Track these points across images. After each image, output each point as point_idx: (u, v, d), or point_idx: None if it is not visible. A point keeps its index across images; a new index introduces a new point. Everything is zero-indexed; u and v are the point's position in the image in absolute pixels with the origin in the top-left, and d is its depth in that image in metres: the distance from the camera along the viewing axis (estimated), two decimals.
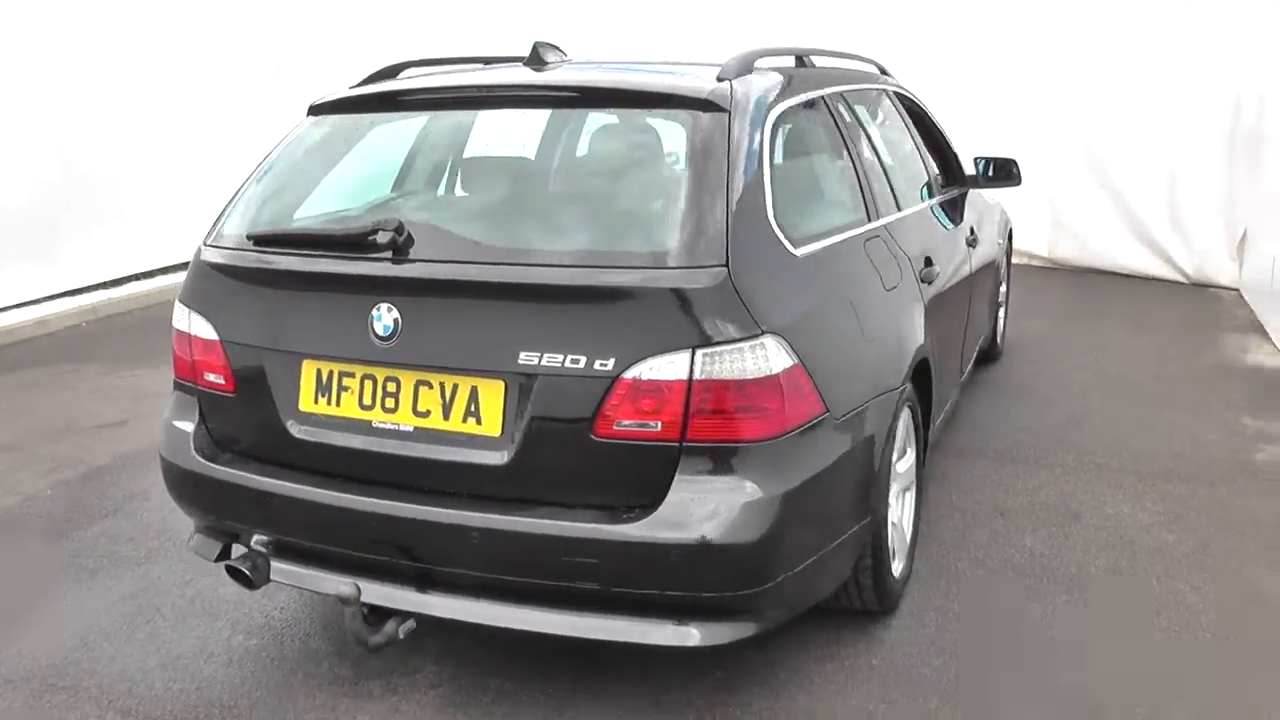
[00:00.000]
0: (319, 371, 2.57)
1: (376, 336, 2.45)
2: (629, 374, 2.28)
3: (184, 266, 7.71)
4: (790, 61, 3.23)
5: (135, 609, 3.30)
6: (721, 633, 2.40)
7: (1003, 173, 4.65)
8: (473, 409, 2.41)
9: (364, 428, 2.53)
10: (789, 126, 2.84)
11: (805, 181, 2.89)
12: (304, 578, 2.67)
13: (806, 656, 2.93)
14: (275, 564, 2.66)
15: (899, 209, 3.44)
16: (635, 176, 2.68)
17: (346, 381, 2.54)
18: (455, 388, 2.43)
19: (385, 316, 2.44)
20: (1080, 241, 7.80)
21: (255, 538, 2.73)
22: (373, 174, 3.12)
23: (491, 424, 2.40)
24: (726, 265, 2.31)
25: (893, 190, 3.46)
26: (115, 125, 7.43)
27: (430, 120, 3.11)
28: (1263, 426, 4.63)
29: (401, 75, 3.10)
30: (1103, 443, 4.50)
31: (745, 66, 2.76)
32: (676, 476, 2.31)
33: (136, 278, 7.50)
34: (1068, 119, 7.59)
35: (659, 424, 2.29)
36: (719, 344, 2.26)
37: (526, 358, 2.33)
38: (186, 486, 2.81)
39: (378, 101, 2.95)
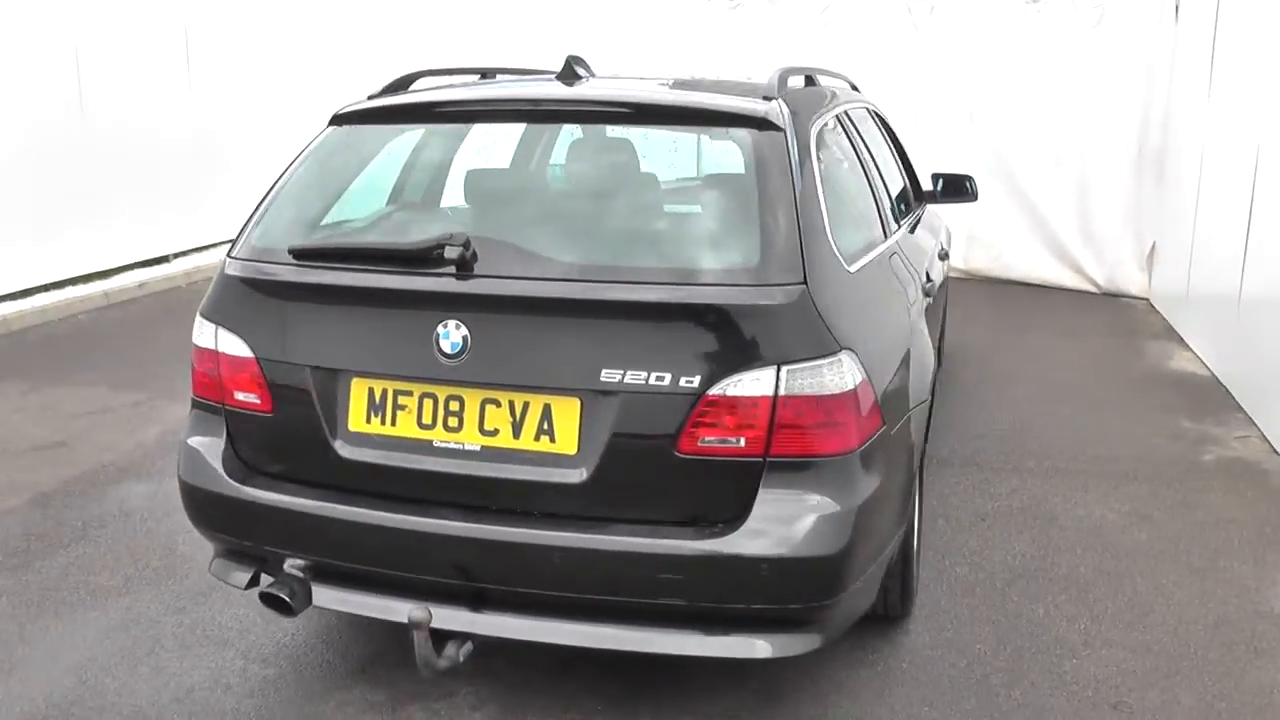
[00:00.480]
0: (371, 390, 2.50)
1: (442, 354, 2.39)
2: (714, 391, 2.29)
3: (101, 275, 7.38)
4: (801, 80, 3.29)
5: (131, 641, 3.13)
6: (792, 644, 2.43)
7: (958, 189, 4.83)
8: (545, 427, 2.38)
9: (423, 447, 2.46)
10: (825, 144, 2.90)
11: (843, 198, 2.95)
12: (354, 603, 2.58)
13: (838, 664, 2.98)
14: (317, 589, 2.57)
15: (897, 225, 3.55)
16: (699, 193, 2.69)
17: (403, 400, 2.47)
18: (526, 406, 2.39)
19: (454, 334, 2.38)
20: (994, 253, 8.14)
21: (289, 562, 2.63)
22: (409, 186, 3.04)
23: (566, 442, 2.37)
24: (805, 282, 2.34)
25: (892, 206, 3.57)
26: None
27: (470, 132, 3.05)
28: (1203, 430, 4.93)
29: (413, 86, 3.04)
30: (1058, 447, 4.71)
31: (784, 84, 2.81)
32: (760, 491, 2.33)
33: (46, 288, 7.07)
34: (982, 133, 7.91)
35: (743, 440, 2.30)
36: (802, 360, 2.29)
37: (608, 375, 2.31)
38: (214, 510, 2.69)
39: (411, 112, 2.88)
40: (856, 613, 2.64)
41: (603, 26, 8.82)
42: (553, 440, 2.38)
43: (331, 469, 2.54)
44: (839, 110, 3.32)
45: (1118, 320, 7.15)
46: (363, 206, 2.89)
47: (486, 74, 3.33)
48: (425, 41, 9.43)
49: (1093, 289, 7.82)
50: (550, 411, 2.38)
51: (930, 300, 3.58)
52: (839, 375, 2.32)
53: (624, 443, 2.33)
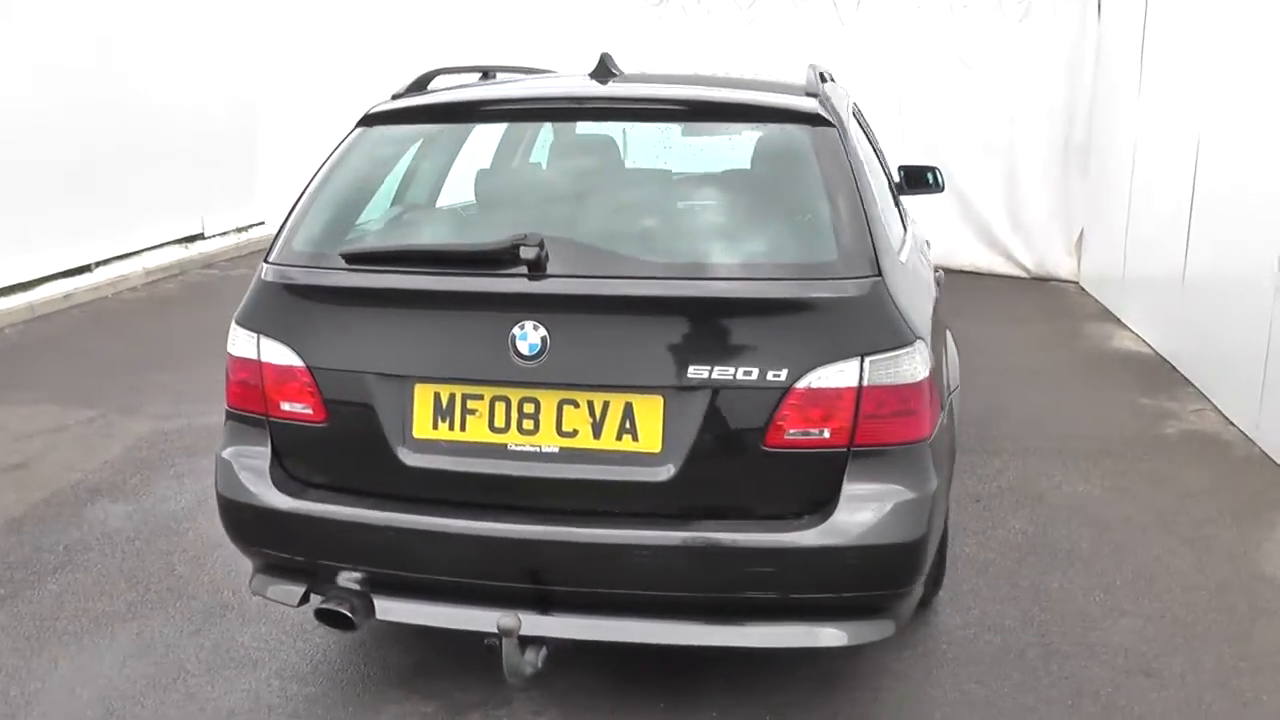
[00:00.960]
0: (437, 395, 2.44)
1: (519, 356, 2.35)
2: (801, 383, 2.31)
3: (23, 287, 6.98)
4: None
5: (153, 668, 2.99)
6: (868, 632, 2.46)
7: (922, 180, 4.94)
8: (628, 426, 2.36)
9: (496, 451, 2.42)
10: (857, 139, 2.95)
11: (880, 192, 3.00)
12: (420, 613, 2.52)
13: (879, 650, 2.99)
14: (379, 601, 2.50)
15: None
16: (763, 189, 2.70)
17: (473, 404, 2.42)
18: (606, 405, 2.37)
19: (531, 335, 2.34)
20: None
21: (344, 576, 2.55)
22: (449, 186, 2.96)
23: (650, 440, 2.36)
24: (880, 275, 2.38)
25: (895, 199, 3.64)
26: None
27: (523, 131, 2.99)
28: (1159, 405, 5.17)
29: (430, 85, 2.98)
30: (1030, 428, 4.89)
31: (822, 80, 2.84)
32: (845, 481, 2.36)
33: None
34: (911, 125, 8.13)
35: (828, 431, 2.33)
36: (884, 351, 2.33)
37: (696, 371, 2.31)
38: (262, 526, 2.59)
39: (448, 112, 2.82)
40: (918, 596, 2.70)
41: (524, 23, 8.79)
42: (635, 439, 2.36)
43: (395, 478, 2.47)
44: (852, 106, 3.37)
45: (1053, 303, 7.44)
46: (404, 208, 2.81)
47: (487, 73, 3.27)
48: (368, 39, 9.29)
49: (1023, 274, 8.11)
50: (632, 410, 2.36)
51: (940, 289, 3.67)
52: (915, 365, 2.37)
53: (711, 438, 2.33)
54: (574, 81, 2.92)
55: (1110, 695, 2.85)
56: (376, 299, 2.50)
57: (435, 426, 2.44)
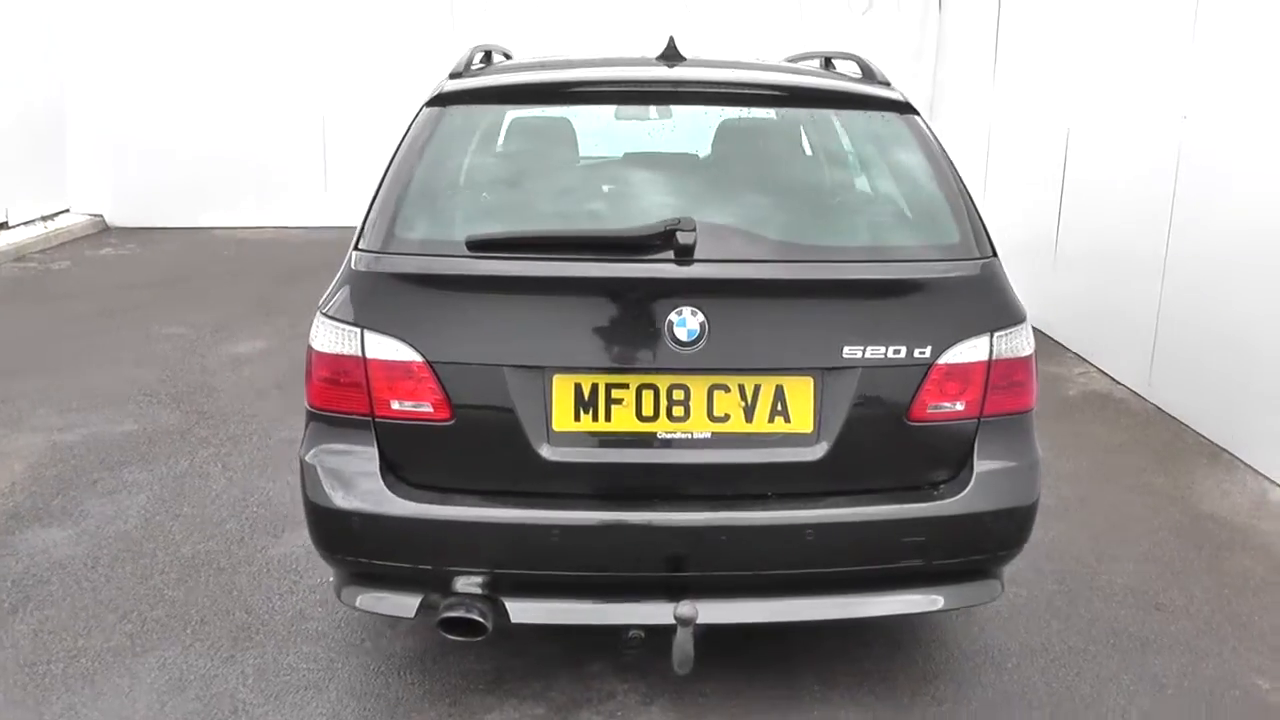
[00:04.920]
0: (578, 386, 2.35)
1: (676, 342, 2.31)
2: (943, 360, 2.40)
3: None
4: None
5: (200, 704, 2.72)
6: (981, 592, 2.58)
7: None
8: (780, 408, 2.37)
9: (645, 440, 2.37)
10: None
11: None
12: (559, 612, 2.43)
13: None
14: (512, 604, 2.39)
15: None
16: (875, 174, 2.74)
17: (618, 393, 2.35)
18: (758, 388, 2.37)
19: (690, 321, 2.30)
20: None
21: (464, 581, 2.42)
22: (558, 167, 2.83)
23: (802, 420, 2.38)
24: (995, 255, 2.51)
25: None
26: None
27: (608, 114, 2.88)
28: (1049, 370, 5.65)
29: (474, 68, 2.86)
30: None
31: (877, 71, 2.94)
32: (976, 450, 2.47)
33: None
34: None
35: (961, 404, 2.44)
36: (1007, 327, 2.46)
37: (850, 351, 2.35)
38: (374, 534, 2.41)
39: (530, 93, 2.70)
40: None
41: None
42: (787, 420, 2.38)
43: (533, 474, 2.37)
44: None
45: None
46: (505, 190, 2.67)
47: (490, 55, 3.16)
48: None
49: None
50: (783, 392, 2.37)
51: None
52: (1027, 339, 2.52)
53: (861, 416, 2.39)
54: (646, 66, 2.86)
55: (1139, 631, 3.14)
56: (509, 287, 2.37)
57: (577, 418, 2.36)
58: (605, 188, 2.72)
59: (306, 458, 2.46)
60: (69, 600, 3.21)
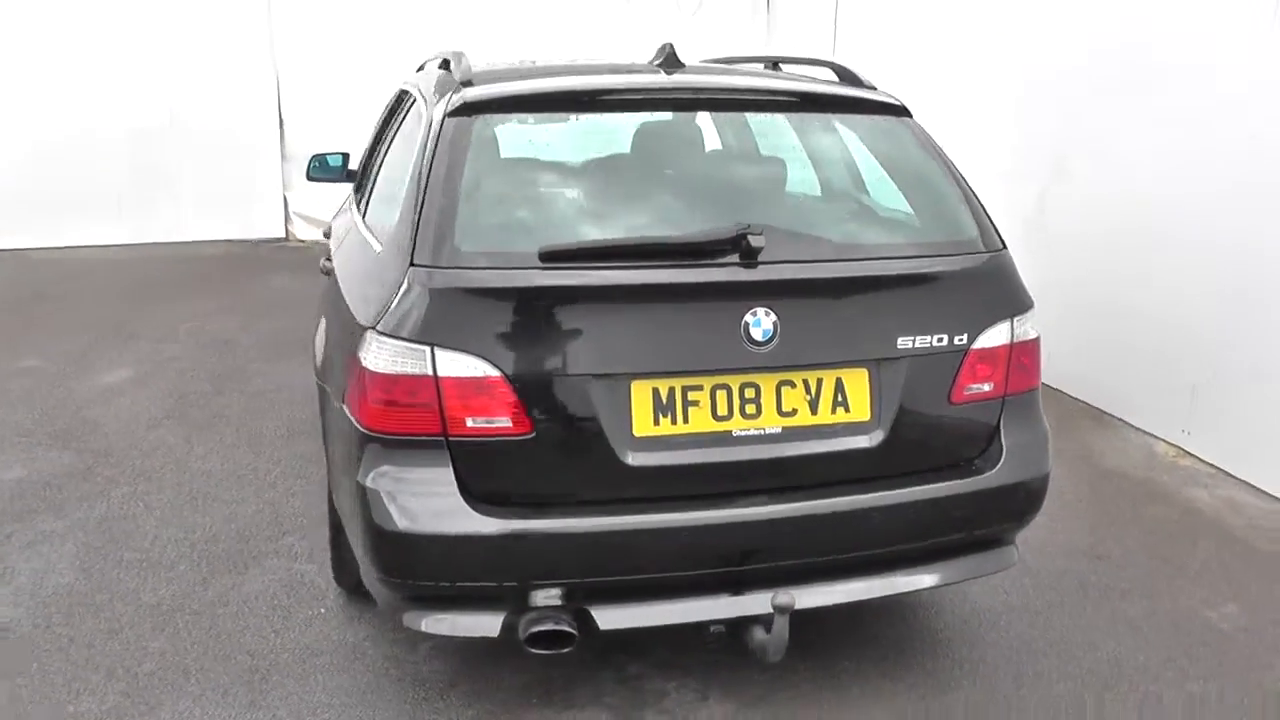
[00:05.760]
0: (656, 390, 2.38)
1: (752, 342, 2.38)
2: (977, 345, 2.58)
3: None
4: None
5: None
6: (1005, 559, 2.77)
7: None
8: (840, 399, 2.48)
9: (721, 439, 2.42)
10: None
11: None
12: (644, 615, 2.44)
13: (945, 607, 3.29)
14: (599, 612, 2.40)
15: None
16: (891, 174, 2.86)
17: (694, 395, 2.40)
18: (820, 382, 2.47)
19: (764, 321, 2.37)
20: None
21: (543, 595, 2.40)
22: (602, 173, 2.77)
23: (860, 410, 2.50)
24: (1005, 247, 2.72)
25: None
26: None
27: (631, 121, 2.86)
28: None
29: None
30: None
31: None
32: (1001, 426, 2.67)
33: None
34: None
35: (989, 385, 2.63)
36: (1022, 313, 2.67)
37: (903, 342, 2.49)
38: (454, 556, 2.35)
39: (557, 101, 2.68)
40: None
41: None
42: (848, 410, 2.50)
43: (616, 480, 2.38)
44: None
45: None
46: (558, 199, 2.63)
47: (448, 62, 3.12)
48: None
49: None
50: (843, 384, 2.49)
51: None
52: (1034, 323, 2.75)
53: (911, 402, 2.53)
54: (649, 73, 2.90)
55: (1099, 581, 3.46)
56: (585, 297, 2.37)
57: (656, 422, 2.39)
58: (656, 193, 2.74)
59: (367, 483, 2.37)
60: (37, 665, 2.92)
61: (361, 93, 8.70)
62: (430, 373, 2.30)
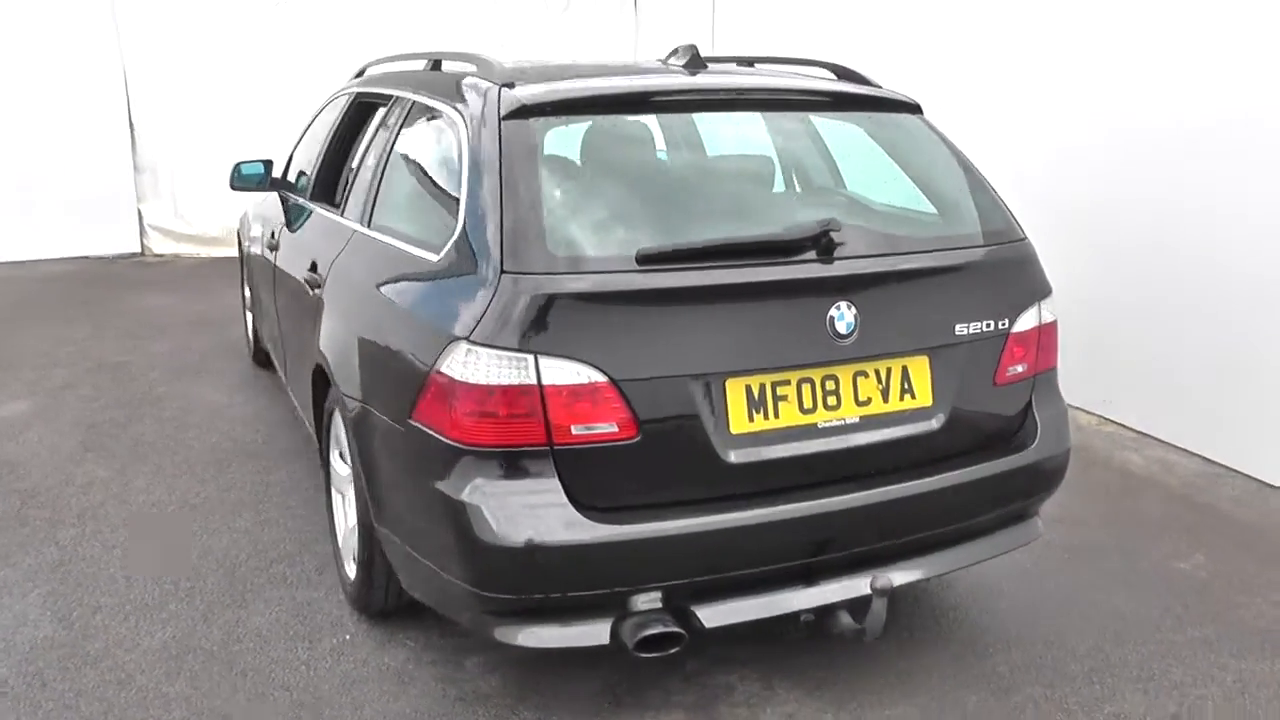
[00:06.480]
0: (748, 387, 2.41)
1: (837, 335, 2.44)
2: (1015, 329, 2.74)
3: None
4: None
5: None
6: (1035, 530, 2.97)
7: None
8: (907, 386, 2.58)
9: (807, 432, 2.48)
10: None
11: None
12: (745, 609, 2.46)
13: (951, 579, 3.40)
14: (702, 610, 2.42)
15: None
16: (924, 170, 2.97)
17: (782, 390, 2.45)
18: (889, 371, 2.56)
19: (847, 314, 2.45)
20: None
21: (643, 599, 2.41)
22: (666, 174, 2.73)
23: (924, 395, 2.61)
24: (1026, 237, 2.90)
25: None
26: None
27: (685, 120, 2.83)
28: None
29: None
30: None
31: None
32: (1033, 402, 2.85)
33: None
34: None
35: (1023, 365, 2.79)
36: (1045, 296, 2.85)
37: (960, 329, 2.62)
38: (572, 565, 2.31)
39: (611, 103, 2.66)
40: None
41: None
42: (914, 397, 2.60)
43: (717, 478, 2.40)
44: None
45: None
46: (639, 200, 2.62)
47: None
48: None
49: None
50: (908, 372, 2.59)
51: None
52: (1052, 307, 2.94)
53: (965, 385, 2.67)
54: (680, 74, 2.91)
55: (1080, 544, 3.72)
56: (683, 298, 2.37)
57: (750, 419, 2.42)
58: (725, 192, 2.76)
59: (465, 498, 2.30)
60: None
61: (222, 97, 8.31)
62: (534, 381, 2.26)
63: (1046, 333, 2.87)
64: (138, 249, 8.64)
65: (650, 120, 2.92)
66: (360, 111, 3.88)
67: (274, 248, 4.23)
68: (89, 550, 3.60)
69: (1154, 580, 3.47)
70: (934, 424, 2.64)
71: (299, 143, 4.76)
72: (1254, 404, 4.23)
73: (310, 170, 4.10)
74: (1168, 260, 4.50)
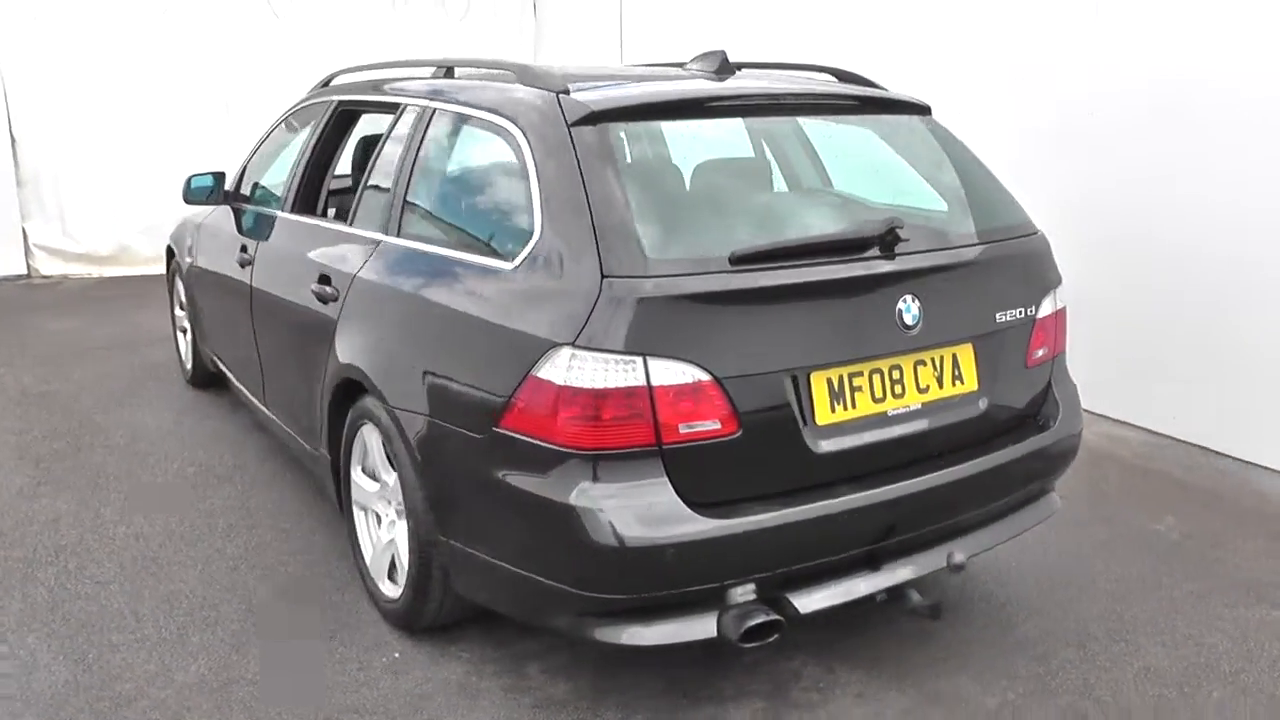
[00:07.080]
0: (829, 380, 2.51)
1: (905, 327, 2.57)
2: (1040, 314, 2.93)
3: None
4: None
5: None
6: (1054, 504, 3.18)
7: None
8: (957, 373, 2.73)
9: (879, 420, 2.59)
10: None
11: None
12: (833, 594, 2.55)
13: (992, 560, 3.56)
14: (797, 599, 2.51)
15: None
16: (937, 167, 3.10)
17: (857, 381, 2.55)
18: (942, 358, 2.70)
19: (913, 307, 2.58)
20: None
21: (739, 590, 2.47)
22: (737, 175, 2.78)
23: (971, 381, 2.76)
24: (1039, 230, 3.09)
25: None
26: None
27: (737, 125, 2.87)
28: None
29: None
30: None
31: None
32: (1052, 384, 3.04)
33: None
34: None
35: (1044, 349, 2.99)
36: (1058, 284, 3.05)
37: (1001, 317, 2.79)
38: (686, 561, 2.36)
39: (674, 108, 2.73)
40: None
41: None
42: (963, 382, 2.75)
43: (807, 469, 2.50)
44: None
45: None
46: (719, 202, 2.66)
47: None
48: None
49: None
50: (957, 359, 2.74)
51: None
52: (1062, 295, 3.14)
53: (1003, 370, 2.84)
54: (709, 80, 2.97)
55: (1067, 516, 3.91)
56: (773, 296, 2.44)
57: (833, 410, 2.52)
58: (789, 193, 2.84)
59: (574, 501, 2.32)
60: None
61: (110, 107, 7.90)
62: (644, 383, 2.30)
63: (1060, 318, 3.08)
64: (23, 270, 8.10)
65: (706, 125, 2.98)
66: (345, 121, 3.79)
67: (247, 264, 4.08)
68: (81, 588, 3.41)
69: (1139, 544, 3.74)
70: (981, 406, 2.79)
71: (253, 155, 4.60)
72: (1190, 379, 4.60)
73: (287, 181, 3.97)
74: (1099, 244, 4.83)
